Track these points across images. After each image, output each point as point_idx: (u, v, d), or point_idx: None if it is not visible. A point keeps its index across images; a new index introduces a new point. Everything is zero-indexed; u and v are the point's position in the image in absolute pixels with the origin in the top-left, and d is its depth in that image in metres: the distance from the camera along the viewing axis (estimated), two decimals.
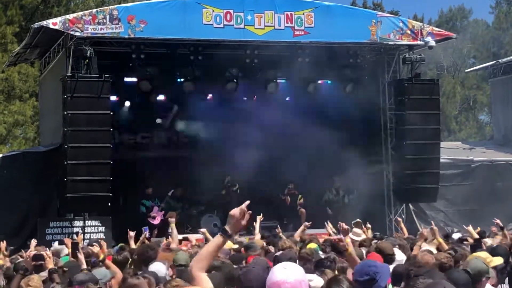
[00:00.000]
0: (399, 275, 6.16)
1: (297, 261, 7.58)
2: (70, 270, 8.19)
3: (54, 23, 16.46)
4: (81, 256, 7.84)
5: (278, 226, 13.61)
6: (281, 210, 19.39)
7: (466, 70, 38.17)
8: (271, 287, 4.08)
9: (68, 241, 10.35)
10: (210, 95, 20.54)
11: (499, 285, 6.59)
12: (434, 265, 7.06)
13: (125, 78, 19.03)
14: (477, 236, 10.19)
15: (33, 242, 11.62)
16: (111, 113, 16.81)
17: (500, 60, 26.41)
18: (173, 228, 11.48)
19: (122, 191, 18.58)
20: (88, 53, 16.24)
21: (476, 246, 9.23)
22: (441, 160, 19.32)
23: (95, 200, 16.19)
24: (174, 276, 7.23)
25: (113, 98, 18.19)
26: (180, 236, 12.66)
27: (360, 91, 19.24)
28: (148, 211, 18.31)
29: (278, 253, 8.24)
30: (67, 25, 16.31)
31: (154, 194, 18.68)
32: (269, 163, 18.27)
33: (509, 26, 45.11)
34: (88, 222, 16.85)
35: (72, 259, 9.70)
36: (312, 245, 9.81)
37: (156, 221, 18.11)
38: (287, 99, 20.63)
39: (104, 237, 15.83)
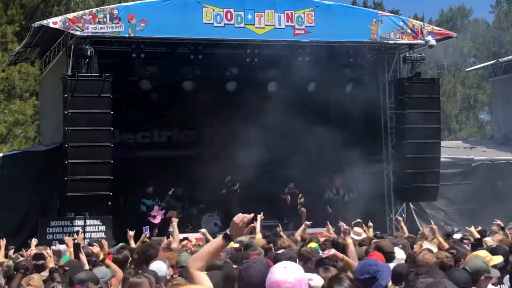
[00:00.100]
0: (400, 274, 6.17)
1: (297, 260, 7.59)
2: (71, 270, 8.19)
3: (55, 22, 16.46)
4: (83, 257, 7.83)
5: (279, 225, 13.63)
6: (281, 209, 19.38)
7: (466, 69, 38.20)
8: (271, 287, 4.07)
9: (68, 240, 10.33)
10: (210, 94, 20.52)
11: (499, 285, 6.59)
12: (434, 264, 7.07)
13: (125, 77, 19.02)
14: (478, 237, 10.20)
15: (34, 241, 11.62)
16: (112, 112, 16.81)
17: (500, 59, 26.42)
18: (174, 228, 11.48)
19: (123, 190, 18.58)
20: (89, 52, 16.24)
21: (477, 245, 9.24)
22: (442, 159, 19.32)
23: (95, 199, 16.19)
24: (174, 276, 7.24)
25: (114, 97, 18.19)
26: (181, 236, 12.65)
27: (360, 90, 19.22)
28: (149, 210, 18.30)
29: (278, 252, 8.24)
30: (67, 24, 16.30)
31: (154, 193, 18.66)
32: (269, 162, 18.26)
33: (510, 26, 45.11)
34: (88, 221, 16.84)
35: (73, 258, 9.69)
36: (313, 244, 9.83)
37: (157, 220, 18.09)
38: (287, 98, 20.60)
39: (104, 236, 15.83)
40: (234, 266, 6.92)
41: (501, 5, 48.21)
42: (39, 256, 8.50)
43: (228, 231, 4.49)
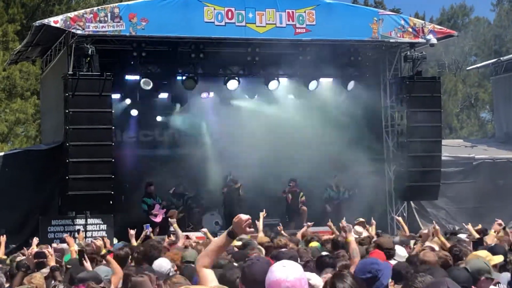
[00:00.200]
0: (400, 272, 6.17)
1: (299, 259, 7.59)
2: (72, 268, 8.20)
3: (56, 21, 16.45)
4: (87, 264, 7.81)
5: (280, 224, 13.64)
6: (283, 207, 19.39)
7: (467, 68, 38.14)
8: (271, 286, 4.05)
9: (69, 239, 10.33)
10: (211, 93, 20.53)
11: (498, 284, 6.59)
12: (435, 262, 7.07)
13: (126, 76, 19.01)
14: (476, 235, 10.20)
15: (35, 240, 11.64)
16: (113, 111, 16.81)
17: (501, 58, 26.39)
18: (176, 228, 11.49)
19: (124, 189, 18.58)
20: (90, 51, 16.24)
21: (478, 243, 9.23)
22: (443, 158, 19.30)
23: (96, 198, 16.19)
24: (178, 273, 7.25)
25: (115, 96, 18.21)
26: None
27: (361, 89, 19.22)
28: (150, 209, 18.31)
29: (279, 251, 8.24)
30: (68, 23, 16.30)
31: (155, 192, 18.67)
32: (270, 160, 18.27)
33: (511, 24, 45.02)
34: (89, 220, 16.84)
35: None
36: (314, 244, 9.84)
37: (158, 219, 18.10)
38: (288, 97, 20.62)
39: (105, 235, 15.83)
40: (236, 264, 6.93)
41: (502, 4, 48.13)
42: (40, 255, 8.51)
43: (231, 229, 4.60)
